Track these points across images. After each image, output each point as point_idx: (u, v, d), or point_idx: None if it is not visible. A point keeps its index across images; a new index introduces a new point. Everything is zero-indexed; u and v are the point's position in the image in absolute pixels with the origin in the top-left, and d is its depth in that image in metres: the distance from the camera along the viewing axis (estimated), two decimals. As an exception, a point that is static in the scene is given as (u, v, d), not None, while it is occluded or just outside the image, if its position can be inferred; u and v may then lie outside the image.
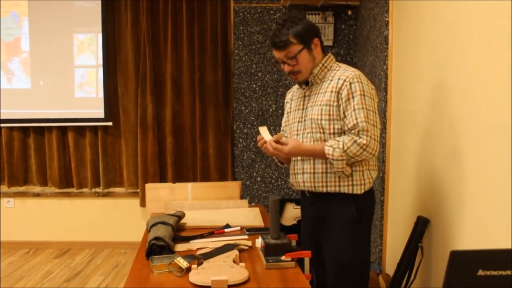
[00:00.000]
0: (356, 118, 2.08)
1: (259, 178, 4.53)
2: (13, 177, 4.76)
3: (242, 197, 3.04)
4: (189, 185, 2.91)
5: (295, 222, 3.99)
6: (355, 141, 2.06)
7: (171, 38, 4.51)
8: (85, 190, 4.79)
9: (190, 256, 1.89)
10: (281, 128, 2.52)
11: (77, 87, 4.66)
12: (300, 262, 1.97)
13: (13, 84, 4.64)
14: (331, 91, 2.16)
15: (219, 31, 4.50)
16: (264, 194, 4.53)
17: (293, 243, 2.01)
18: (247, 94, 4.47)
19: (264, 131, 2.24)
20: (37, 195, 4.74)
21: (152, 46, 4.53)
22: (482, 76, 2.04)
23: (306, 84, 2.30)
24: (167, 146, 4.62)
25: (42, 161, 4.79)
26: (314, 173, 2.21)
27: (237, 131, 4.50)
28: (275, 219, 1.97)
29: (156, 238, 2.01)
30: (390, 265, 3.30)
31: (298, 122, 2.29)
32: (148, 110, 4.57)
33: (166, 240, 2.02)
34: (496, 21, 1.94)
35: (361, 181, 2.17)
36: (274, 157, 2.40)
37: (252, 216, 2.59)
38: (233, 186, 2.94)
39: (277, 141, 2.16)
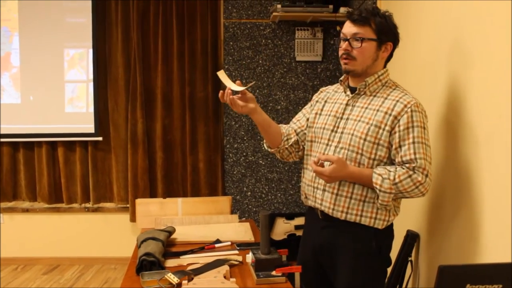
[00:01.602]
0: (415, 153, 1.89)
1: (249, 193, 4.53)
2: (2, 192, 4.72)
3: (232, 212, 3.04)
4: (180, 200, 2.91)
5: (285, 236, 3.99)
6: (409, 176, 1.88)
7: (161, 53, 4.53)
8: (75, 205, 4.76)
9: (181, 272, 1.89)
10: (292, 120, 2.28)
11: (67, 102, 4.66)
12: (290, 277, 1.97)
13: (3, 99, 4.62)
14: (386, 112, 1.95)
15: (209, 46, 4.53)
16: (254, 209, 4.53)
17: (284, 258, 2.01)
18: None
19: (223, 76, 2.04)
20: (26, 210, 4.70)
21: (142, 61, 4.54)
22: (475, 86, 2.07)
23: (351, 91, 2.07)
24: (157, 161, 4.62)
25: (32, 176, 4.76)
26: (337, 194, 2.00)
27: (227, 145, 4.52)
28: (266, 234, 1.97)
29: (147, 254, 2.00)
30: (380, 279, 3.30)
31: (332, 131, 2.06)
32: (139, 125, 4.57)
33: (157, 255, 2.02)
34: (488, 28, 1.98)
35: (386, 216, 2.00)
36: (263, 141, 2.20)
37: (242, 231, 2.60)
38: (224, 201, 2.95)
39: (317, 161, 1.91)
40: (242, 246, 2.33)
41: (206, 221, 2.73)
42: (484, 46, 1.95)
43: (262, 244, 1.97)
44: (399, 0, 3.01)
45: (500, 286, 1.17)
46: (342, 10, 4.03)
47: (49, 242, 4.72)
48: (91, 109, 4.64)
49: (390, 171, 1.90)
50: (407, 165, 1.90)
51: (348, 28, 1.98)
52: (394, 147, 1.94)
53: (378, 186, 1.89)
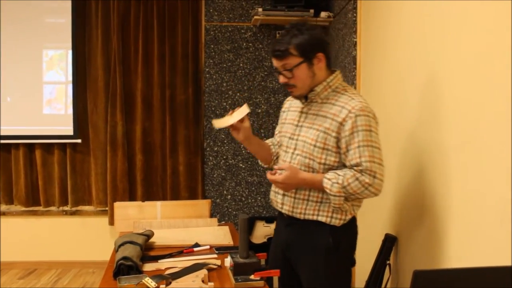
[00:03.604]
0: (360, 157, 1.96)
1: (229, 196, 4.53)
2: (-23, 195, 4.65)
3: (212, 216, 3.04)
4: (159, 203, 2.90)
5: (265, 240, 3.99)
6: (357, 178, 1.95)
7: (141, 55, 4.50)
8: (52, 208, 4.70)
9: (159, 276, 1.88)
10: (275, 133, 2.40)
11: (46, 104, 4.60)
12: (269, 281, 1.97)
13: (-21, 100, 4.56)
14: (332, 119, 2.02)
15: (190, 49, 4.52)
16: (234, 212, 4.53)
17: (262, 262, 2.01)
18: (217, 112, 4.48)
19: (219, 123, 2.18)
20: (3, 213, 4.62)
21: (122, 63, 4.51)
22: (450, 93, 2.10)
23: (305, 98, 2.14)
24: (137, 163, 4.58)
25: (8, 179, 4.68)
26: (295, 198, 2.11)
27: (207, 149, 4.51)
28: (244, 238, 1.97)
29: (124, 258, 1.99)
30: (359, 282, 3.32)
31: (289, 138, 2.17)
32: (118, 128, 4.53)
33: (134, 259, 2.00)
34: (466, 35, 2.00)
35: (342, 215, 2.07)
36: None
37: (221, 234, 2.59)
38: (203, 205, 2.94)
39: (270, 169, 2.09)
40: (221, 250, 2.32)
41: (185, 225, 2.72)
42: (464, 47, 1.98)
43: (241, 248, 1.97)
44: (379, 0, 3.03)
45: (475, 290, 1.19)
46: (323, 14, 4.06)
47: (25, 246, 4.65)
48: (70, 111, 4.59)
49: (339, 175, 1.98)
50: (355, 168, 1.97)
51: (276, 63, 2.07)
52: (342, 151, 2.02)
53: (328, 191, 1.98)
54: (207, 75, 4.47)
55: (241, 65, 4.46)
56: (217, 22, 4.44)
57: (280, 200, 2.18)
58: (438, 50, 2.19)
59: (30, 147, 4.65)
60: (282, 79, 2.07)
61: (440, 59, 2.16)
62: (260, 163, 2.44)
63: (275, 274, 1.94)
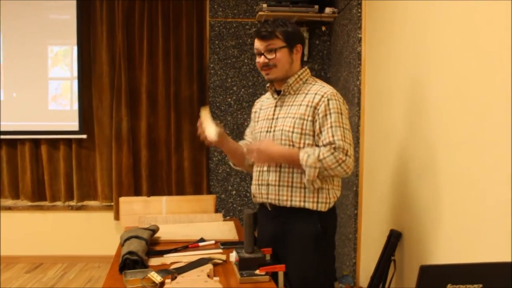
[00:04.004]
0: (333, 136, 2.07)
1: (234, 192, 4.54)
2: (-16, 190, 4.69)
3: (217, 211, 3.04)
4: (164, 198, 2.90)
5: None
6: (332, 153, 2.04)
7: (146, 51, 4.51)
8: (58, 203, 4.73)
9: (164, 271, 1.89)
10: (244, 137, 2.52)
11: (51, 100, 4.62)
12: (274, 276, 1.98)
13: (-15, 96, 4.58)
14: (307, 105, 2.14)
15: (194, 45, 4.52)
16: (239, 208, 4.54)
17: (268, 257, 2.02)
18: (222, 108, 4.49)
19: (206, 116, 2.28)
20: (9, 208, 4.66)
21: (127, 59, 4.52)
22: (454, 90, 2.10)
23: (277, 93, 2.28)
24: (142, 159, 4.60)
25: (14, 174, 4.71)
26: (279, 185, 2.18)
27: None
28: (249, 233, 1.98)
29: (130, 253, 2.00)
30: (364, 278, 3.33)
31: (267, 132, 2.26)
32: (123, 123, 4.55)
33: (140, 254, 2.01)
34: (470, 33, 2.00)
35: (327, 199, 2.16)
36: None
37: (226, 230, 2.60)
38: (208, 200, 2.95)
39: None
40: (226, 245, 2.33)
41: (190, 220, 2.73)
42: (473, 43, 1.98)
43: (246, 243, 1.98)
44: (384, 0, 3.03)
45: (481, 285, 1.19)
46: (328, 10, 4.05)
47: (32, 240, 4.68)
48: (75, 106, 4.61)
49: (315, 149, 2.08)
50: (328, 146, 2.07)
51: (259, 44, 2.21)
52: (316, 133, 2.14)
53: (304, 162, 2.05)
54: (212, 71, 4.48)
55: (245, 61, 4.46)
56: (221, 18, 4.44)
57: (264, 191, 2.23)
58: (446, 45, 2.19)
59: (36, 143, 4.67)
60: (263, 60, 2.19)
61: (449, 54, 2.16)
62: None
63: (280, 269, 1.95)
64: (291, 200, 2.16)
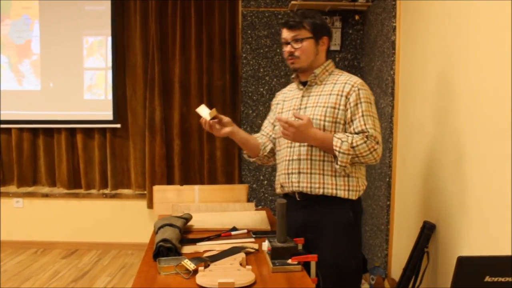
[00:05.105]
0: (365, 124, 2.11)
1: (265, 182, 4.55)
2: (22, 177, 4.81)
3: (248, 200, 3.05)
4: (196, 187, 2.93)
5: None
6: (365, 142, 2.07)
7: (179, 41, 4.54)
8: (93, 191, 4.83)
9: (197, 258, 1.91)
10: (262, 129, 2.54)
11: (86, 89, 4.71)
12: (306, 265, 1.98)
13: (23, 86, 4.70)
14: (337, 94, 2.18)
15: (227, 34, 4.53)
16: (270, 198, 4.54)
17: (300, 246, 2.02)
18: (254, 97, 4.49)
19: (201, 110, 2.31)
20: (46, 195, 4.79)
21: (160, 49, 4.56)
22: (489, 82, 2.05)
23: (303, 84, 2.31)
24: (175, 148, 4.65)
25: (51, 162, 4.83)
26: (311, 173, 2.20)
27: (244, 134, 4.51)
28: (282, 223, 1.98)
29: (164, 240, 2.02)
30: (396, 269, 3.31)
31: None
32: (156, 113, 4.60)
33: (173, 242, 2.03)
34: (506, 24, 1.95)
35: (357, 187, 2.19)
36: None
37: (259, 219, 2.61)
38: (240, 189, 2.96)
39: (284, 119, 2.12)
40: (258, 234, 2.33)
41: (223, 209, 2.75)
42: (507, 40, 1.93)
43: (279, 233, 1.98)
44: (418, 5, 2.98)
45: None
46: (361, -1, 4.00)
47: (67, 227, 4.80)
48: (110, 96, 4.69)
49: (348, 136, 2.10)
50: (360, 135, 2.10)
51: (286, 34, 2.24)
52: (347, 121, 2.17)
53: (337, 148, 2.07)
54: (244, 61, 4.48)
55: (278, 50, 4.44)
56: (254, 7, 4.43)
57: (296, 179, 2.24)
58: (483, 38, 2.14)
59: (72, 132, 4.77)
60: (289, 49, 2.23)
61: (485, 48, 2.11)
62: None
63: (312, 259, 1.95)
64: (323, 188, 2.18)
